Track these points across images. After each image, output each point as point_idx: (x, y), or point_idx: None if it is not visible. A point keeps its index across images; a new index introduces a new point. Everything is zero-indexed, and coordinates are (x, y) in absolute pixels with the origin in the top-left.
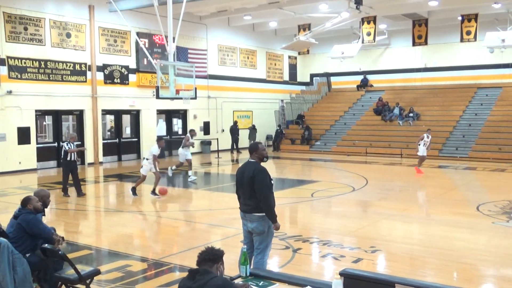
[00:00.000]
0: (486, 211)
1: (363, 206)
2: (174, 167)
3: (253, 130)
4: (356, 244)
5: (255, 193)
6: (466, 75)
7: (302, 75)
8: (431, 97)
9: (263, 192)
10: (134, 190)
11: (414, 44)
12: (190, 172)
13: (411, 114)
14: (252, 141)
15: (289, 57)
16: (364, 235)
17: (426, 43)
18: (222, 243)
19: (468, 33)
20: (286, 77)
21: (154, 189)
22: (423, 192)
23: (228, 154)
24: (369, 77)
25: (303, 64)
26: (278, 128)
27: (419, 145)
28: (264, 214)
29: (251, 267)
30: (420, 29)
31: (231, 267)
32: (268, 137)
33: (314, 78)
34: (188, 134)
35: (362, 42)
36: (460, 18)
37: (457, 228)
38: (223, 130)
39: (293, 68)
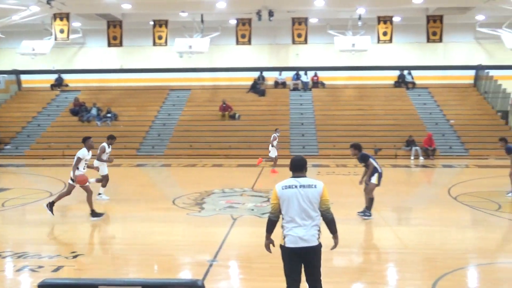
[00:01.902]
0: (181, 204)
1: (60, 210)
2: None
3: None
4: (56, 251)
5: None
6: (159, 77)
7: None
8: (128, 98)
9: None
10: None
11: (109, 45)
12: None
13: (109, 115)
14: None
15: None
16: (65, 241)
17: (121, 44)
18: None
19: (160, 37)
20: None
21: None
22: (123, 192)
23: None
24: (65, 76)
25: None
26: None
27: (273, 146)
28: None
29: None
30: (115, 30)
31: None
32: None
33: (1, 75)
34: None
35: (55, 39)
36: (152, 23)
37: (156, 222)
38: None
39: None
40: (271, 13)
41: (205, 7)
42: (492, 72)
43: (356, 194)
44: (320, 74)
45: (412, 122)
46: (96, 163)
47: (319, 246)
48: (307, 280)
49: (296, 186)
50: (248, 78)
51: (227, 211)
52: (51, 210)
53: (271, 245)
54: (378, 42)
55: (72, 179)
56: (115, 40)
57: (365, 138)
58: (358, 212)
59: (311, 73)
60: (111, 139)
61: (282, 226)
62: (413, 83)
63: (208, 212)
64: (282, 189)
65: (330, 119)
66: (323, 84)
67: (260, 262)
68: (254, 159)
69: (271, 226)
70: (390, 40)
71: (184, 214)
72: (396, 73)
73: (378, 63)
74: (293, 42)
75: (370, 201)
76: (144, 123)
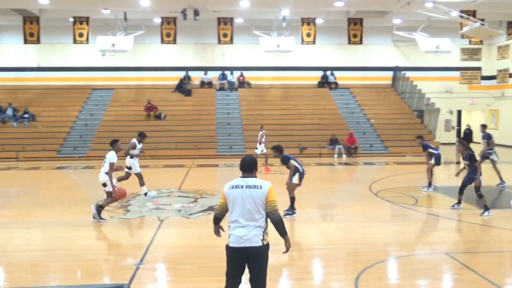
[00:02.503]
0: (105, 207)
1: None
2: None
3: None
4: None
5: None
6: (81, 76)
7: None
8: (47, 98)
9: None
10: None
11: (26, 42)
12: None
13: (26, 115)
14: None
15: None
16: None
17: (38, 41)
18: None
19: (81, 35)
20: None
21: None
22: (42, 196)
23: None
24: None
25: None
26: None
27: (261, 144)
28: None
29: None
30: (32, 27)
31: None
32: None
33: None
34: None
35: None
36: (72, 19)
37: (79, 227)
38: None
39: None
40: (196, 13)
41: (128, 4)
42: (408, 74)
43: (285, 193)
44: (246, 74)
45: (335, 121)
46: (128, 161)
47: (263, 247)
48: (250, 280)
49: (242, 187)
50: (173, 78)
51: (154, 213)
52: (99, 215)
53: (220, 230)
54: (302, 43)
55: (105, 184)
56: (32, 37)
57: (290, 137)
58: (284, 211)
59: (237, 73)
60: (141, 136)
61: (229, 226)
62: (336, 84)
63: (134, 215)
64: (229, 188)
65: (257, 119)
66: (249, 84)
67: (187, 263)
68: (180, 159)
69: (216, 220)
70: (314, 41)
71: (108, 217)
72: (320, 73)
73: (302, 64)
74: (219, 42)
75: (291, 200)
76: (65, 124)
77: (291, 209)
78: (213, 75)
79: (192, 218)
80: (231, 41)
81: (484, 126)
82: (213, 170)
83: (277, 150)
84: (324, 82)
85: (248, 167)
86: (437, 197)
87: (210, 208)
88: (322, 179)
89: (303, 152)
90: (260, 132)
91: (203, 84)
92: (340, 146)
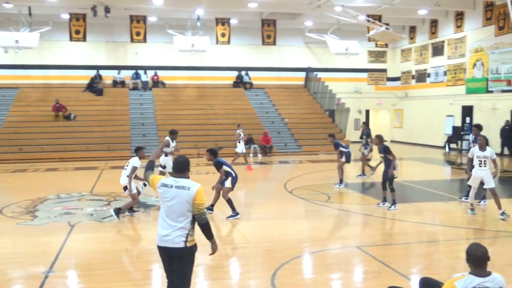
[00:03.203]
0: (10, 213)
1: None
2: None
3: None
4: None
5: None
6: None
7: None
8: None
9: None
10: None
11: None
12: None
13: None
14: None
15: None
16: None
17: None
18: None
19: None
20: None
21: None
22: None
23: None
24: None
25: None
26: None
27: (239, 142)
28: None
29: None
30: None
31: None
32: None
33: None
34: None
35: None
36: None
37: None
38: None
39: None
40: (107, 10)
41: None
42: (320, 74)
43: (210, 193)
44: (160, 73)
45: (250, 121)
46: (162, 160)
47: (185, 249)
48: (173, 280)
49: (172, 186)
50: (83, 77)
51: (64, 218)
52: (118, 215)
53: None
54: (217, 43)
55: (125, 187)
56: None
57: (206, 137)
58: (227, 217)
59: (151, 72)
60: (173, 133)
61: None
62: (251, 84)
63: (42, 220)
64: (160, 186)
65: (171, 119)
66: (163, 84)
67: (101, 268)
68: (92, 161)
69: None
70: (228, 42)
71: (14, 224)
72: (235, 73)
73: (217, 64)
74: (132, 40)
75: (229, 203)
76: None
77: (233, 211)
78: (126, 74)
79: (105, 222)
80: (145, 40)
81: (365, 124)
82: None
83: (212, 153)
84: (239, 82)
85: (180, 168)
86: (348, 193)
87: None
88: (239, 179)
89: (219, 152)
90: (238, 131)
91: (115, 83)
92: (256, 145)
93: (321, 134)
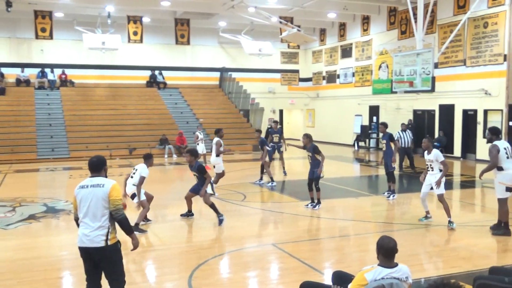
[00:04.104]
0: None
1: None
2: None
3: None
4: None
5: None
6: None
7: None
8: None
9: None
10: None
11: None
12: None
13: None
14: None
15: None
16: None
17: None
18: None
19: None
20: None
21: None
22: None
23: None
24: None
25: None
26: None
27: (198, 144)
28: None
29: None
30: None
31: None
32: None
33: None
34: None
35: None
36: None
37: None
38: None
39: None
40: (8, 4)
41: None
42: (234, 74)
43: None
44: (69, 72)
45: (164, 121)
46: (213, 160)
47: (107, 247)
48: (95, 281)
49: (88, 186)
50: None
51: None
52: (141, 230)
53: None
54: (129, 42)
55: (134, 196)
56: None
57: (119, 138)
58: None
59: (58, 71)
60: (220, 132)
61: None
62: (165, 83)
63: None
64: (78, 188)
65: (81, 120)
66: (72, 83)
67: (6, 279)
68: None
69: (77, 223)
70: (141, 40)
71: None
72: (148, 73)
73: (130, 63)
74: (37, 36)
75: (212, 207)
76: None
77: (219, 214)
78: (31, 73)
79: (10, 229)
80: (51, 37)
81: (276, 122)
82: (33, 176)
83: (192, 154)
84: (153, 82)
85: (96, 167)
86: (264, 192)
87: (31, 217)
88: (153, 180)
89: (132, 153)
90: (196, 133)
91: (19, 82)
92: (170, 146)
93: (236, 134)
